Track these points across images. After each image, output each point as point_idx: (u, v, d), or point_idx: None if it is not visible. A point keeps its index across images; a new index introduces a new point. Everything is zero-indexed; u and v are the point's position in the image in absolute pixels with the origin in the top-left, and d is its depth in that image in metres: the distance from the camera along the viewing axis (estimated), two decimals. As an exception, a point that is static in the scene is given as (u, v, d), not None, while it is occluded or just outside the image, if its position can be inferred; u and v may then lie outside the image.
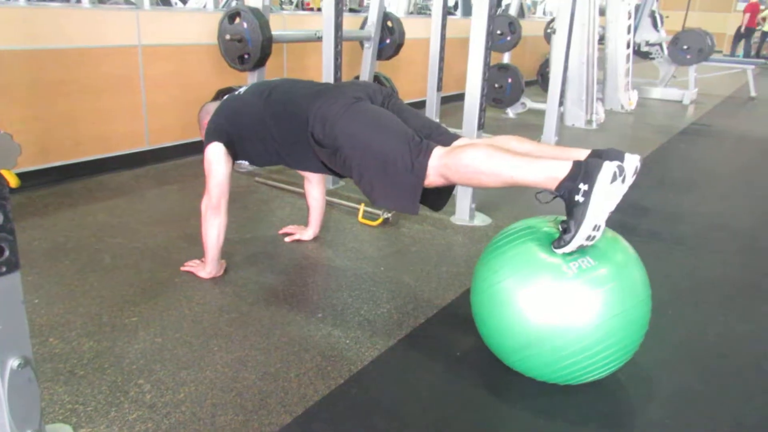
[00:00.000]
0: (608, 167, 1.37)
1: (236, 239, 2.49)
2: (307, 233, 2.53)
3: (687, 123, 5.91)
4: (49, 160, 3.12)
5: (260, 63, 3.37)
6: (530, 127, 5.22)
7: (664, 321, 1.90)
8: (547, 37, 6.71)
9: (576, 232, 1.38)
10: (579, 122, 5.44)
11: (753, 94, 8.03)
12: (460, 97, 6.78)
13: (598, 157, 1.49)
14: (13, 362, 1.15)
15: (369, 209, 2.79)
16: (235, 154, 2.06)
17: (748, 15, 14.38)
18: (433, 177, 1.63)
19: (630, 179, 1.44)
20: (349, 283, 2.17)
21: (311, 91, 1.88)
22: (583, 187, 1.38)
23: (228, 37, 3.36)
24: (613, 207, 1.42)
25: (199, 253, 2.26)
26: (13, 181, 1.10)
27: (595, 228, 1.39)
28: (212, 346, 1.73)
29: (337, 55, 3.09)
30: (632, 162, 1.46)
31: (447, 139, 1.78)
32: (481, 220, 2.84)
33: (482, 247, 2.56)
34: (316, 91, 1.86)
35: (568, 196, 1.41)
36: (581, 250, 1.44)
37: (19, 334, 1.15)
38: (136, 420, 1.41)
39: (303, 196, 2.60)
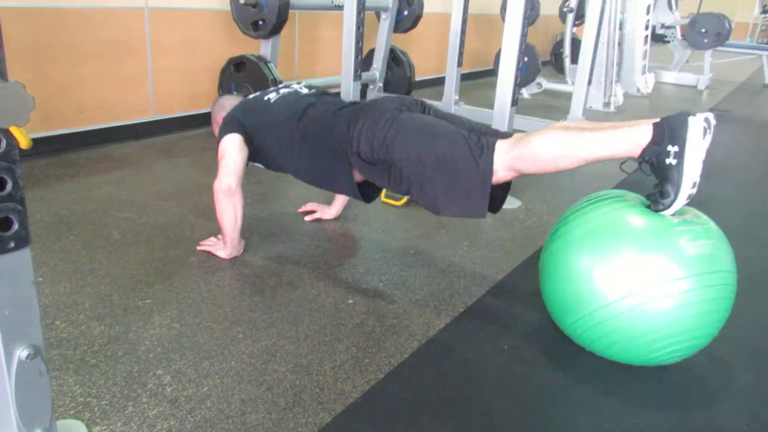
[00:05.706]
0: (696, 122, 1.32)
1: (253, 216, 2.32)
2: (330, 212, 2.37)
3: (705, 108, 5.74)
4: (50, 128, 2.93)
5: (275, 30, 3.18)
6: (548, 109, 5.04)
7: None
8: (562, 16, 6.48)
9: (676, 194, 1.35)
10: (596, 104, 5.26)
11: (768, 81, 7.87)
12: (471, 76, 6.74)
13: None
14: (22, 352, 0.98)
15: (392, 188, 2.62)
16: (252, 152, 1.94)
17: None
18: (502, 172, 1.53)
19: (712, 132, 1.37)
20: (378, 267, 2.01)
21: (349, 110, 1.80)
22: (672, 149, 1.33)
23: (242, 1, 3.15)
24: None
25: (215, 230, 2.10)
26: (24, 142, 0.92)
27: (694, 186, 1.36)
28: (236, 333, 1.57)
29: (359, 23, 2.90)
30: (710, 116, 1.37)
31: (502, 136, 1.66)
32: (509, 202, 2.68)
33: (514, 230, 2.42)
34: (354, 111, 1.78)
35: (657, 161, 1.36)
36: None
37: (29, 320, 0.99)
38: (157, 416, 1.26)
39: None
